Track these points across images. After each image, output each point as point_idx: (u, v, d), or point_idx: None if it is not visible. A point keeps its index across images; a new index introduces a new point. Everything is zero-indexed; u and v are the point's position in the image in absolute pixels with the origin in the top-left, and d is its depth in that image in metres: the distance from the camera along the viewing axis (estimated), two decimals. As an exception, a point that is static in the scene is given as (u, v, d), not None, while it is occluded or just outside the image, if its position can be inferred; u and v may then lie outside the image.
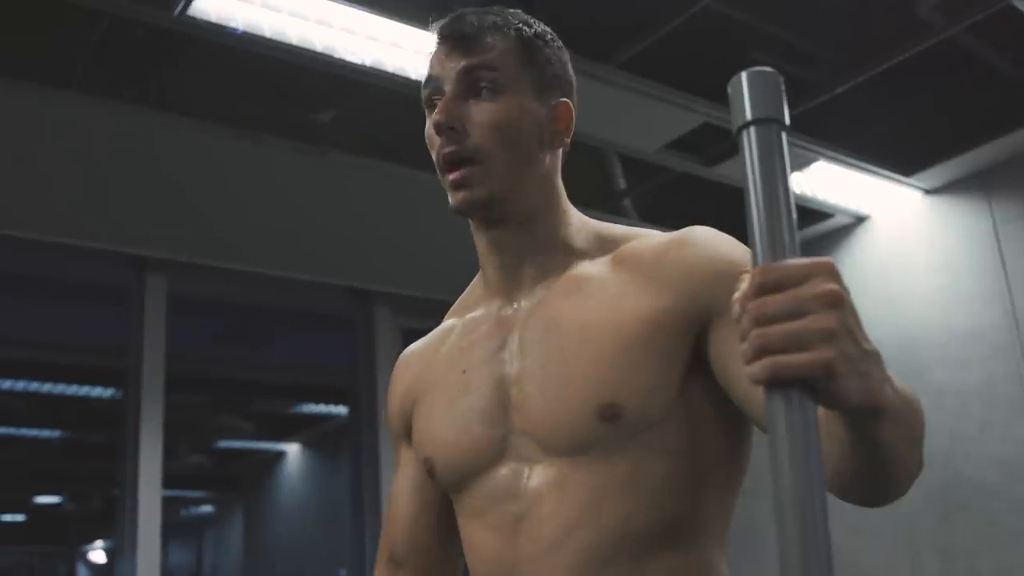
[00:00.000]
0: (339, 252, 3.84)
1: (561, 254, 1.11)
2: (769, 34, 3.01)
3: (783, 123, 0.71)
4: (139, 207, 3.30)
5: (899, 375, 0.80)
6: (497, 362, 1.09)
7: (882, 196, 3.67)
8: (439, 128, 1.06)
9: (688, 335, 1.01)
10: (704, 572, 1.01)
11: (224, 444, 7.15)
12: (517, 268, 1.12)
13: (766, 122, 0.70)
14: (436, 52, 1.11)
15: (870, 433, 0.77)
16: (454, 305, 1.25)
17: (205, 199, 3.34)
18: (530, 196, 1.10)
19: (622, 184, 3.70)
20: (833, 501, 0.69)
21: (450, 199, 1.08)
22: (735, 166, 3.39)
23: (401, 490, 1.23)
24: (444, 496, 1.17)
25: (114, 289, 3.74)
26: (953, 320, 3.50)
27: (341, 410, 6.18)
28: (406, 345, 1.31)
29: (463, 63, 1.07)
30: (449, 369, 1.15)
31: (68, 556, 9.15)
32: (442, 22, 1.11)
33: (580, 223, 1.15)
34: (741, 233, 0.81)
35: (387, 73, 2.55)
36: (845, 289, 0.67)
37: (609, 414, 0.99)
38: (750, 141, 0.70)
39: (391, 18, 2.36)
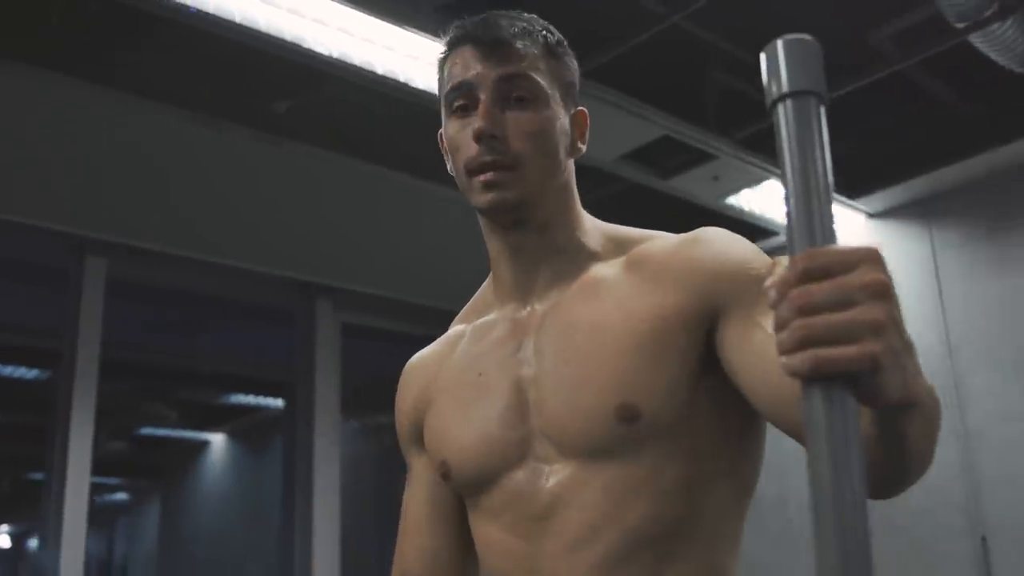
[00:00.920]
0: (285, 243, 3.78)
1: (576, 257, 1.12)
2: (732, 54, 3.07)
3: (823, 97, 0.64)
4: (83, 186, 3.20)
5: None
6: (514, 365, 1.09)
7: (826, 218, 3.76)
8: (481, 135, 1.05)
9: (699, 331, 1.01)
10: (718, 572, 1.01)
11: (146, 431, 6.98)
12: (532, 271, 1.12)
13: (805, 94, 0.64)
14: (463, 55, 1.09)
15: (898, 427, 0.74)
16: (462, 312, 1.24)
17: (152, 182, 3.26)
18: (552, 201, 1.11)
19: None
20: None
21: (478, 199, 1.08)
22: (689, 180, 3.45)
23: (416, 501, 1.21)
24: (459, 504, 1.17)
25: (50, 269, 3.62)
26: (888, 342, 3.59)
27: (270, 402, 6.09)
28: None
29: (500, 71, 1.07)
30: (463, 373, 1.14)
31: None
32: (470, 25, 1.10)
33: (593, 226, 1.15)
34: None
35: (353, 66, 2.52)
36: (891, 279, 0.63)
37: (627, 415, 0.99)
38: (787, 115, 0.64)
39: (364, 12, 2.33)
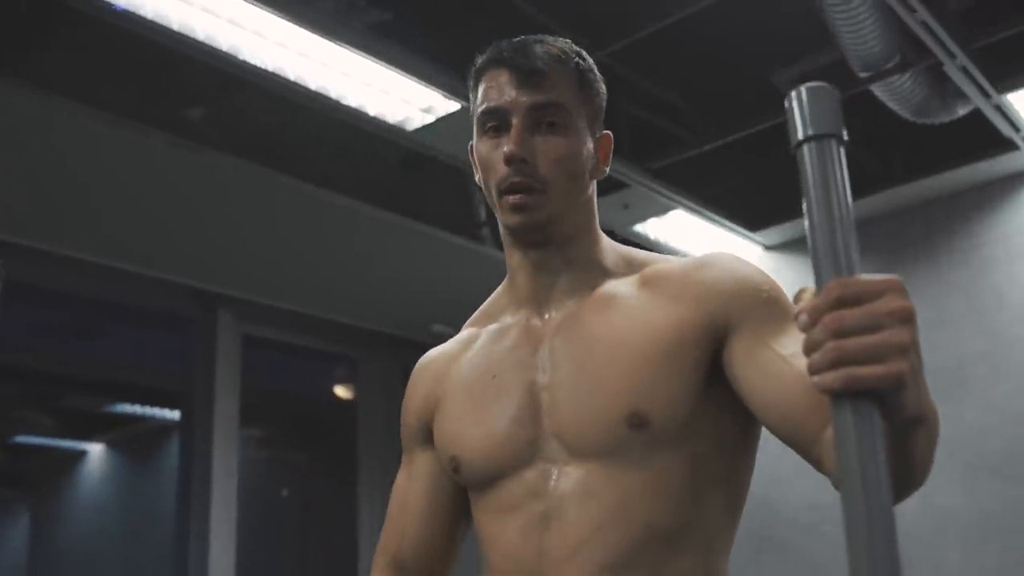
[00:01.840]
0: (188, 251, 3.70)
1: (592, 272, 1.18)
2: (650, 92, 3.17)
3: (841, 138, 0.71)
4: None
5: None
6: (528, 369, 1.15)
7: (727, 247, 3.91)
8: (511, 159, 1.10)
9: (709, 348, 1.08)
10: (712, 572, 1.08)
11: (20, 440, 6.65)
12: (551, 283, 1.18)
13: (825, 137, 0.70)
14: (499, 79, 1.15)
15: (908, 440, 0.81)
16: (473, 316, 1.29)
17: (52, 180, 3.14)
18: (574, 220, 1.17)
19: (483, 213, 3.77)
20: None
21: (508, 218, 1.14)
22: (601, 206, 3.52)
23: (414, 492, 1.25)
24: (455, 498, 1.22)
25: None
26: (780, 370, 3.75)
27: (157, 412, 5.90)
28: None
29: (533, 99, 1.12)
30: (476, 374, 1.19)
31: None
32: (508, 50, 1.15)
33: (609, 245, 1.22)
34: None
35: (268, 72, 2.48)
36: (913, 305, 0.70)
37: (637, 422, 1.05)
38: (810, 156, 0.70)
39: (283, 17, 2.29)
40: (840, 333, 0.67)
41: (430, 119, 2.77)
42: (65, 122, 2.80)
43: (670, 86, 3.23)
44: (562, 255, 1.17)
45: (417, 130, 2.83)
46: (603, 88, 1.22)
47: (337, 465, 5.01)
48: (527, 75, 1.13)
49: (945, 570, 3.34)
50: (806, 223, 0.70)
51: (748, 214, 3.76)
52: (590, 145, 1.17)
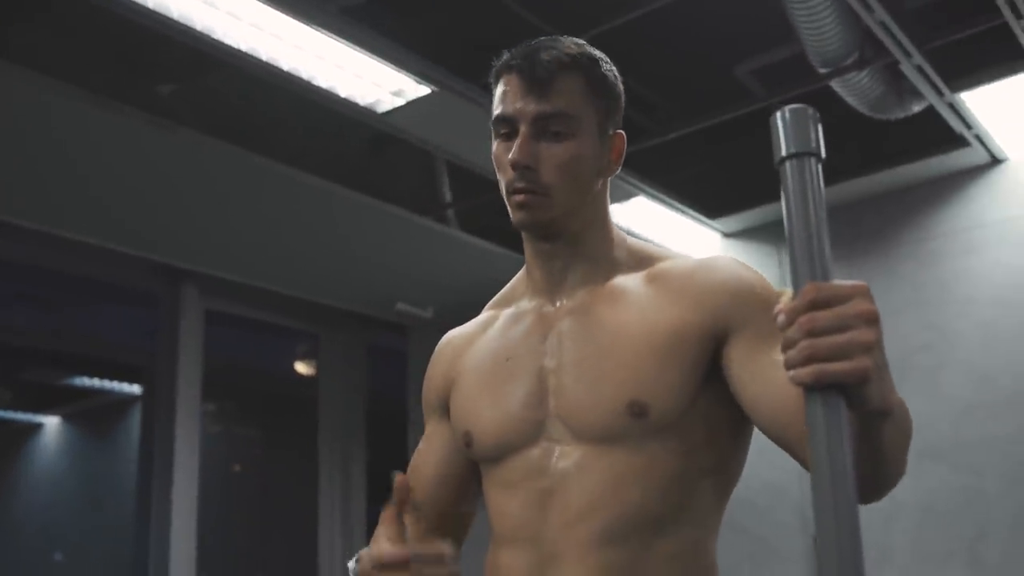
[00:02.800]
0: (154, 226, 3.70)
1: (602, 265, 1.26)
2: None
3: (819, 155, 0.78)
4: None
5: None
6: (538, 354, 1.23)
7: (686, 234, 3.99)
8: (516, 166, 1.18)
9: (708, 347, 1.15)
10: (700, 555, 1.16)
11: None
12: (562, 274, 1.26)
13: (802, 156, 0.78)
14: (511, 83, 1.21)
15: (876, 432, 0.89)
16: (494, 299, 1.37)
17: (18, 154, 3.13)
18: (582, 217, 1.24)
19: (448, 195, 3.81)
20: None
21: (513, 215, 1.22)
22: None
23: (428, 460, 1.35)
24: (468, 467, 1.30)
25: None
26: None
27: (115, 386, 5.88)
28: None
29: (537, 109, 1.19)
30: (491, 355, 1.28)
31: None
32: (519, 56, 1.21)
33: (620, 239, 1.29)
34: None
35: (241, 53, 2.50)
36: (877, 309, 0.78)
37: (637, 410, 1.13)
38: (792, 172, 0.78)
39: (274, 8, 2.32)
40: (813, 333, 0.76)
41: (400, 102, 2.81)
42: (32, 97, 2.80)
43: (636, 77, 3.28)
44: (571, 249, 1.25)
45: (387, 112, 2.87)
46: (618, 88, 1.28)
47: (298, 440, 5.05)
48: (534, 83, 1.19)
49: (893, 554, 3.47)
50: (786, 231, 0.78)
51: (708, 202, 3.84)
52: (597, 147, 1.23)
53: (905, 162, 3.55)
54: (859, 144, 3.61)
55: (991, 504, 3.34)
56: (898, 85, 3.00)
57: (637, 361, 1.15)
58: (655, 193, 3.56)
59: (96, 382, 5.97)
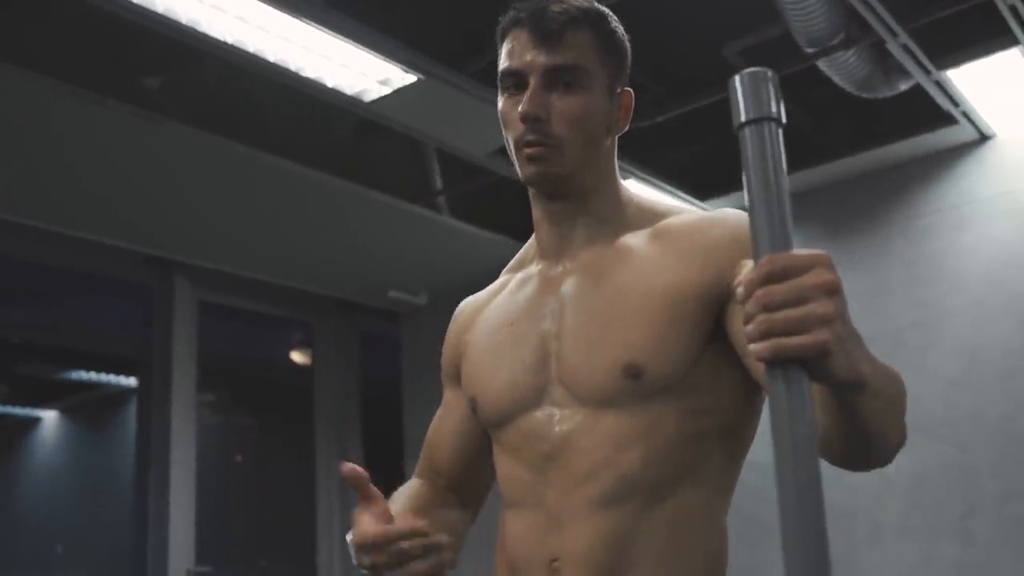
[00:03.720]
0: (146, 218, 3.71)
1: (609, 225, 1.23)
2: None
3: (779, 120, 0.74)
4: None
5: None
6: (540, 318, 1.23)
7: (677, 217, 3.99)
8: (527, 118, 1.15)
9: (712, 306, 1.12)
10: (704, 518, 1.16)
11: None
12: (568, 234, 1.24)
13: (764, 120, 0.74)
14: (519, 39, 1.19)
15: (854, 406, 0.86)
16: (511, 262, 1.36)
17: (9, 149, 3.14)
18: (590, 174, 1.22)
19: (439, 182, 3.81)
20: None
21: (524, 170, 1.19)
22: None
23: (444, 426, 1.37)
24: (481, 438, 1.31)
25: None
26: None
27: (112, 379, 5.89)
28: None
29: (548, 61, 1.16)
30: (498, 320, 1.28)
31: None
32: (527, 11, 1.19)
33: (628, 198, 1.27)
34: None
35: (228, 45, 2.50)
36: (839, 279, 0.74)
37: (633, 372, 1.11)
38: (751, 138, 0.74)
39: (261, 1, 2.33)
40: (768, 307, 0.73)
41: (387, 91, 2.81)
42: (19, 90, 2.80)
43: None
44: (580, 208, 1.23)
45: (374, 101, 2.87)
46: (626, 46, 1.26)
47: (294, 428, 5.07)
48: (544, 36, 1.17)
49: (883, 530, 3.50)
50: (746, 200, 0.75)
51: (698, 183, 3.85)
52: (607, 103, 1.21)
53: (894, 140, 3.55)
54: (848, 123, 3.61)
55: (981, 480, 3.37)
56: (885, 64, 3.00)
57: (634, 323, 1.13)
58: (643, 175, 3.56)
59: (92, 375, 5.97)
